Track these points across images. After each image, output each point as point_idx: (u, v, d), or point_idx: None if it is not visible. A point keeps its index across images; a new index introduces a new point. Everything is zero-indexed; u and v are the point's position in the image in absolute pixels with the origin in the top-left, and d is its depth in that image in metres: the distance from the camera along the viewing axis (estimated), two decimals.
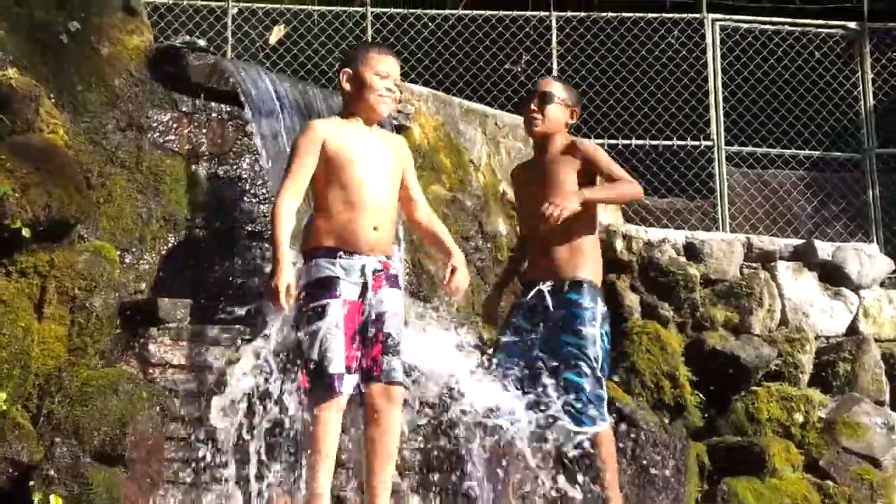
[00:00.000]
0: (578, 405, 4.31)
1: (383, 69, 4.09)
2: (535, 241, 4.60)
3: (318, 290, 3.87)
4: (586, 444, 4.28)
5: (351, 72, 4.10)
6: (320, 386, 3.77)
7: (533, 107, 4.65)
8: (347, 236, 3.91)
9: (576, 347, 4.38)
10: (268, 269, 4.74)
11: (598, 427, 4.34)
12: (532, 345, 4.43)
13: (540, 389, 4.30)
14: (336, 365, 3.78)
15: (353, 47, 4.43)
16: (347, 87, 4.11)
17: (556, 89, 4.69)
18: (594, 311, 4.44)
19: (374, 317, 3.93)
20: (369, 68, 4.08)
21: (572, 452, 4.26)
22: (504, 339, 4.48)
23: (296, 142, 4.03)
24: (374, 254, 3.95)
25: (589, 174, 4.61)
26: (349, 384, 3.80)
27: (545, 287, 4.47)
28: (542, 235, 4.49)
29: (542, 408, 4.25)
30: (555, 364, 4.36)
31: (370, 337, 3.90)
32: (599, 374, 4.40)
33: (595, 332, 4.42)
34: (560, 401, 4.28)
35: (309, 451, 3.79)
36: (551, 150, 4.65)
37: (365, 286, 3.92)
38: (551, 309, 4.44)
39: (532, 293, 4.49)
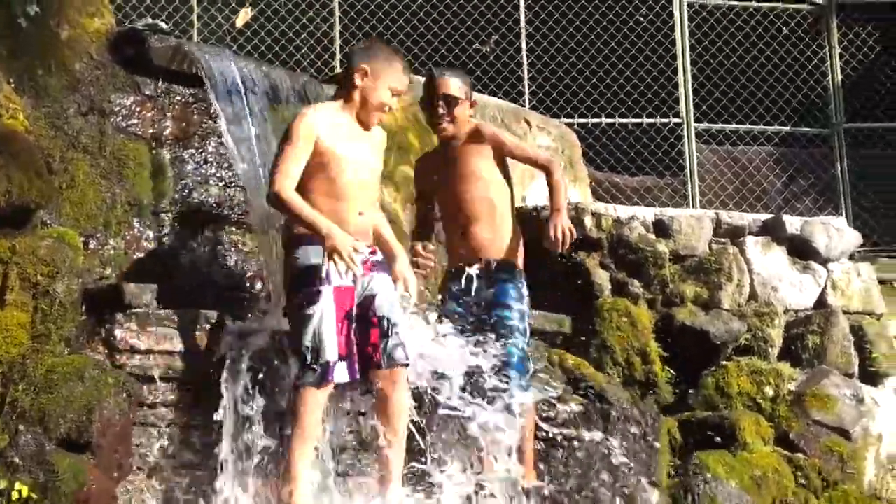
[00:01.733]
0: (513, 374, 4.38)
1: (397, 86, 4.10)
2: (454, 227, 4.61)
3: (308, 276, 3.89)
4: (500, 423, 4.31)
5: (367, 74, 4.04)
6: (312, 371, 3.80)
7: (441, 111, 4.59)
8: (334, 222, 3.92)
9: (507, 320, 4.48)
10: (232, 256, 4.78)
11: (525, 398, 4.42)
12: (469, 326, 4.41)
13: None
14: (329, 352, 3.81)
15: (370, 44, 4.26)
16: (357, 82, 4.06)
17: (456, 88, 4.62)
18: (522, 290, 4.58)
19: (366, 301, 3.99)
20: (384, 80, 4.06)
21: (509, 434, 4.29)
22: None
23: (291, 129, 4.00)
24: (360, 238, 3.98)
25: (498, 157, 4.67)
26: (340, 372, 3.84)
27: (474, 271, 4.52)
28: (464, 220, 4.56)
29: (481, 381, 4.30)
30: (489, 336, 4.39)
31: (365, 322, 3.96)
32: (526, 347, 4.53)
33: (524, 308, 4.56)
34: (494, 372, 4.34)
35: (292, 434, 3.81)
36: (458, 140, 4.65)
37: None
38: (483, 290, 4.49)
39: (462, 280, 4.50)
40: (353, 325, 3.91)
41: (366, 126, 4.14)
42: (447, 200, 4.66)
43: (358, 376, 3.90)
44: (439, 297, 4.71)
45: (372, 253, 4.08)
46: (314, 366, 3.79)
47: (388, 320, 3.97)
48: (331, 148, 3.97)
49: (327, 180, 3.97)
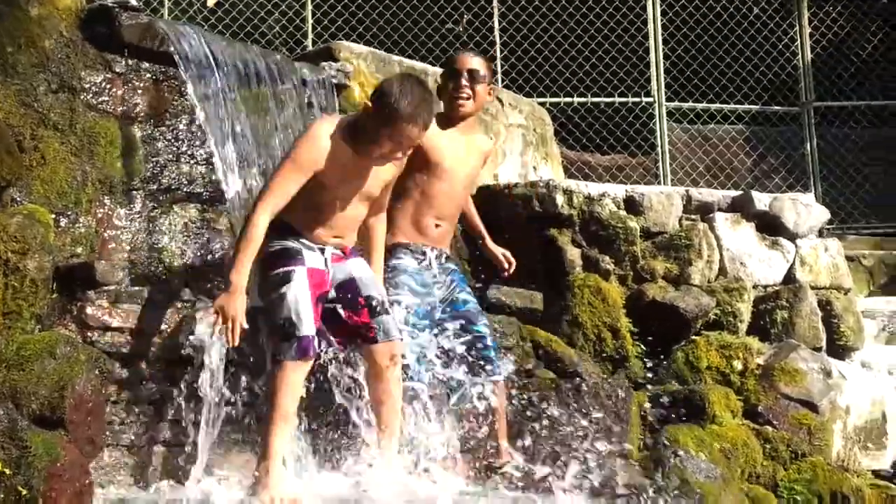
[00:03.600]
0: (489, 353, 4.47)
1: (409, 143, 3.96)
2: (428, 208, 4.50)
3: (282, 258, 3.93)
4: (488, 394, 4.41)
5: (382, 125, 3.87)
6: (290, 347, 3.82)
7: (464, 83, 4.53)
8: (308, 233, 3.98)
9: (475, 304, 4.58)
10: (204, 234, 4.78)
11: (501, 376, 4.52)
12: (433, 308, 4.43)
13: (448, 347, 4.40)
14: (307, 327, 3.83)
15: (399, 83, 3.96)
16: (367, 122, 3.92)
17: (483, 66, 4.60)
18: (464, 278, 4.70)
19: (349, 284, 4.04)
20: (396, 136, 3.88)
21: (479, 403, 4.36)
22: (405, 300, 4.34)
23: (298, 146, 3.95)
24: (331, 246, 4.06)
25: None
26: (317, 346, 3.88)
27: (433, 254, 4.51)
28: (446, 212, 4.53)
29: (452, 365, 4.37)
30: (459, 322, 4.47)
31: (353, 304, 4.01)
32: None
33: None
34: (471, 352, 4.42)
35: (270, 410, 3.83)
36: (470, 130, 4.65)
37: (326, 258, 4.03)
38: (437, 275, 4.50)
39: (423, 259, 4.48)
40: (324, 307, 3.96)
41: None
42: (437, 181, 4.51)
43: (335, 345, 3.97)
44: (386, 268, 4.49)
45: (344, 251, 4.11)
46: (291, 342, 3.81)
47: (375, 298, 4.03)
48: (328, 170, 3.91)
49: (314, 202, 3.95)
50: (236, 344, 3.80)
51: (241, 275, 3.79)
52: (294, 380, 3.82)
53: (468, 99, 4.58)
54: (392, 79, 4.09)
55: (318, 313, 3.92)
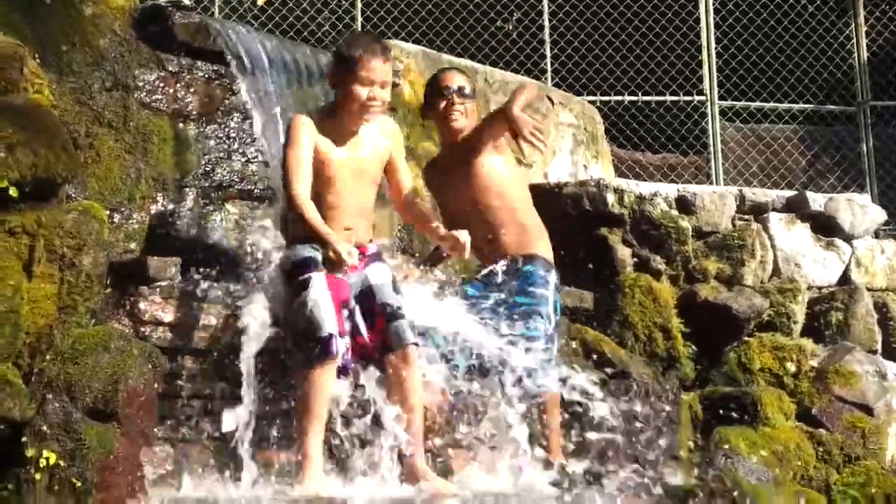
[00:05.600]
0: (544, 356, 4.36)
1: (367, 76, 4.01)
2: (477, 233, 4.42)
3: (300, 266, 3.98)
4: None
5: (334, 78, 4.07)
6: (313, 349, 3.84)
7: (457, 102, 4.55)
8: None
9: (528, 306, 4.44)
10: (252, 232, 4.80)
11: (549, 388, 4.36)
12: (485, 310, 4.41)
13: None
14: (328, 325, 3.85)
15: (340, 45, 4.20)
16: (333, 88, 4.11)
17: (468, 83, 4.64)
18: (547, 277, 4.51)
19: (365, 292, 4.07)
20: (352, 76, 4.00)
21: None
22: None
23: (291, 133, 4.06)
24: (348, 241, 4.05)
25: (499, 147, 4.63)
26: (342, 346, 3.88)
27: (500, 267, 4.48)
28: (489, 228, 4.50)
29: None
30: (509, 322, 4.40)
31: (371, 313, 4.03)
32: (553, 332, 4.47)
33: (548, 294, 4.49)
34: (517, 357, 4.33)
35: (301, 414, 3.86)
36: (464, 139, 4.59)
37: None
38: (508, 283, 4.46)
39: (484, 272, 4.49)
40: (349, 314, 3.98)
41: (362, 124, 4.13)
42: (465, 206, 4.54)
43: (352, 365, 3.97)
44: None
45: (361, 251, 4.11)
46: (314, 343, 3.83)
47: (391, 305, 4.04)
48: (319, 153, 4.04)
49: (316, 193, 4.03)
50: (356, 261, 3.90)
51: (323, 229, 3.91)
52: (322, 382, 3.83)
53: (462, 115, 4.59)
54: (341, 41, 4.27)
55: (342, 318, 3.93)
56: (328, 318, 3.86)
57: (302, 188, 3.97)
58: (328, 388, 3.86)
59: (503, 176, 4.59)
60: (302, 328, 3.88)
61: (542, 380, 4.38)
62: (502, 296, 4.46)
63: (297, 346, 3.94)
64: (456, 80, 4.61)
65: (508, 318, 4.42)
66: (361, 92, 4.03)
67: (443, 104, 4.58)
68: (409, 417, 3.97)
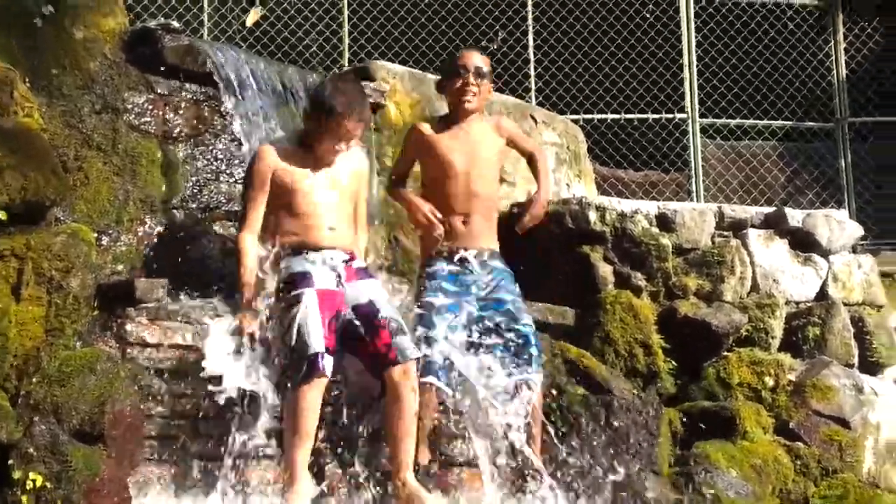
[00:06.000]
0: (534, 352, 4.51)
1: (341, 132, 4.20)
2: (452, 210, 4.62)
3: (291, 283, 4.08)
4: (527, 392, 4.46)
5: (309, 122, 4.27)
6: (301, 367, 3.90)
7: (472, 81, 4.68)
8: (307, 239, 4.18)
9: (515, 303, 4.59)
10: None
11: (541, 376, 4.54)
12: (468, 305, 4.50)
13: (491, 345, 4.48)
14: (316, 344, 3.92)
15: (321, 89, 4.33)
16: (308, 125, 4.30)
17: (486, 64, 4.78)
18: (512, 276, 4.70)
19: (363, 307, 4.15)
20: (327, 129, 4.19)
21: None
22: (437, 301, 4.45)
23: (249, 169, 4.29)
24: (335, 248, 4.20)
25: (505, 151, 4.87)
26: (329, 364, 3.94)
27: (470, 255, 4.60)
28: (469, 207, 4.63)
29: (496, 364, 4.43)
30: (498, 320, 4.52)
31: (372, 326, 4.11)
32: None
33: (519, 293, 4.66)
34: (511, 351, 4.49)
35: (289, 432, 3.91)
36: (476, 125, 4.74)
37: (339, 276, 4.16)
38: (475, 273, 4.57)
39: (456, 259, 4.57)
40: (338, 327, 4.06)
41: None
42: (452, 180, 4.65)
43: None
44: (424, 276, 4.64)
45: (351, 259, 4.24)
46: (302, 362, 3.90)
47: (394, 319, 4.13)
48: (285, 179, 4.23)
49: (291, 216, 4.23)
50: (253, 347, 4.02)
51: (245, 291, 4.12)
52: (309, 399, 3.89)
53: (475, 96, 4.71)
54: (325, 80, 4.45)
55: (332, 333, 4.00)
56: (315, 338, 3.91)
57: (245, 231, 4.20)
58: (315, 405, 3.92)
59: (498, 166, 4.87)
60: (290, 346, 3.95)
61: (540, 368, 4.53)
62: (476, 289, 4.56)
63: (287, 361, 3.99)
64: (474, 60, 4.73)
65: (497, 317, 4.55)
66: (332, 144, 4.23)
67: (458, 83, 4.70)
68: (396, 434, 4.04)
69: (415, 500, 3.97)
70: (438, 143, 4.71)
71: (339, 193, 4.30)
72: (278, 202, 4.21)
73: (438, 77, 4.99)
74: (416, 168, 4.90)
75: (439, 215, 4.56)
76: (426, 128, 4.81)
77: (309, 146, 4.27)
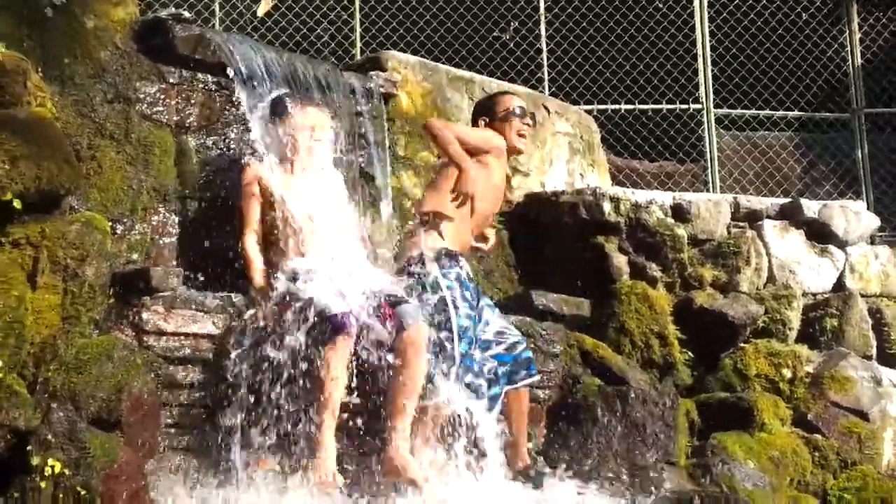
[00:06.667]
0: (528, 354, 4.62)
1: (305, 123, 4.54)
2: (465, 221, 4.66)
3: (298, 273, 4.21)
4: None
5: (274, 127, 4.61)
6: (325, 330, 3.98)
7: (530, 122, 4.91)
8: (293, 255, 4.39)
9: (497, 311, 4.73)
10: None
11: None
12: (479, 317, 4.56)
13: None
14: (337, 306, 4.01)
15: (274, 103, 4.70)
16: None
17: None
18: None
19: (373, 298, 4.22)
20: (290, 127, 4.56)
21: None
22: (464, 316, 4.44)
23: (241, 187, 4.55)
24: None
25: None
26: (354, 322, 4.01)
27: (465, 265, 4.66)
28: (482, 227, 4.82)
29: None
30: (498, 329, 4.62)
31: (379, 308, 4.19)
32: None
33: None
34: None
35: (317, 403, 3.96)
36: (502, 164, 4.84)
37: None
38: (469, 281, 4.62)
39: (462, 268, 4.59)
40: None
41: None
42: (483, 200, 4.69)
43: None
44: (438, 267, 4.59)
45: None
46: (326, 323, 3.98)
47: (394, 294, 4.24)
48: (270, 192, 4.50)
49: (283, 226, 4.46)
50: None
51: (255, 282, 4.34)
52: (336, 363, 3.94)
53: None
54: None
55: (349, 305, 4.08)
56: (335, 300, 4.02)
57: (247, 234, 4.46)
58: (342, 374, 3.98)
59: None
60: (309, 315, 4.01)
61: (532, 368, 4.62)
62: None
63: (311, 335, 4.03)
64: (528, 107, 4.96)
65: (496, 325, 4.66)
66: (302, 139, 4.61)
67: (520, 128, 4.86)
68: (398, 399, 4.07)
69: (400, 469, 3.99)
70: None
71: (328, 217, 4.49)
72: (268, 226, 4.53)
73: (485, 105, 5.03)
74: (433, 160, 4.92)
75: None
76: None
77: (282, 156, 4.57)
